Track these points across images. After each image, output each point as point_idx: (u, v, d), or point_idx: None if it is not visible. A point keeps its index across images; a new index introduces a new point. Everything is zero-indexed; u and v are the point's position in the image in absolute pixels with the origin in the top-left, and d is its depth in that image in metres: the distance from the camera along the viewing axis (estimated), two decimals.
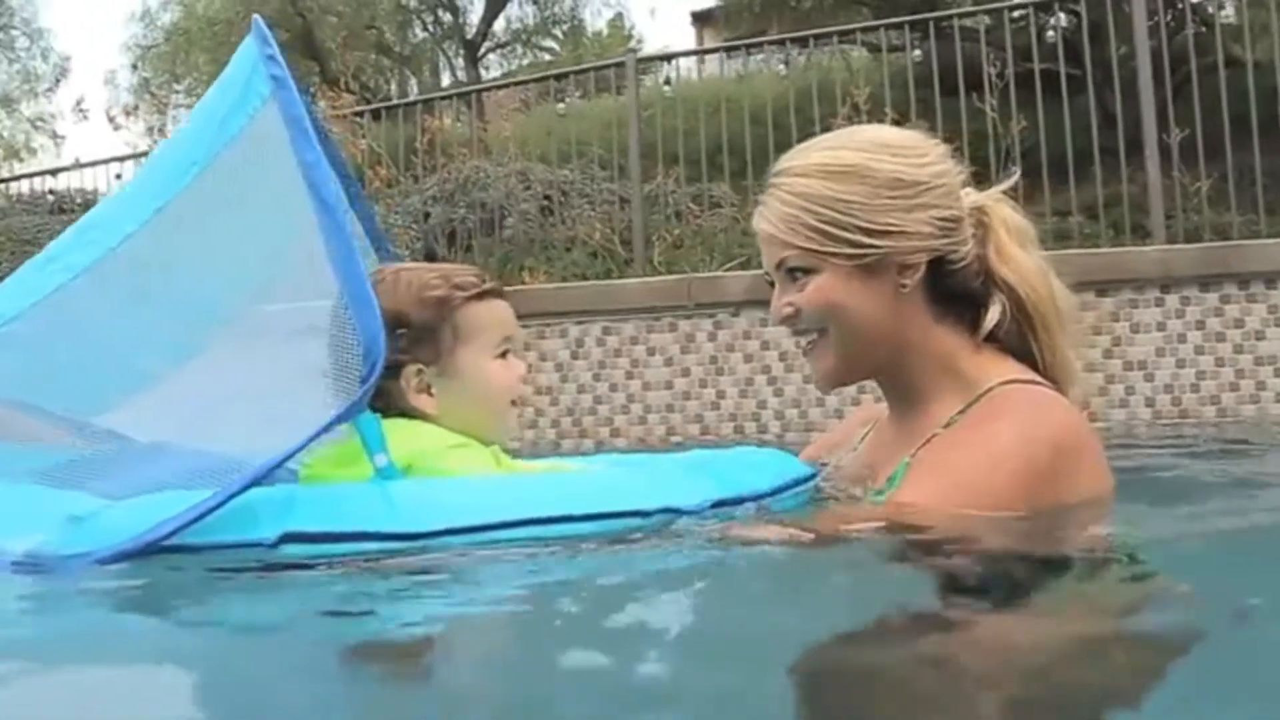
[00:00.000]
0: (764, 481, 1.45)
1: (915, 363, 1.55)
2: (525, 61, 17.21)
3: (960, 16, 6.58)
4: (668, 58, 7.79)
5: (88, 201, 8.05)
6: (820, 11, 9.67)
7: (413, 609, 1.12)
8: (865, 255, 1.49)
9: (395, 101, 9.89)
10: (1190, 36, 6.23)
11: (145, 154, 8.41)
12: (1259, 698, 0.81)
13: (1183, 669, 0.90)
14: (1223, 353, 4.80)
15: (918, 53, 8.33)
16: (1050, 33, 8.52)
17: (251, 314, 1.48)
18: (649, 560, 1.24)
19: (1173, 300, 4.88)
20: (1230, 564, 1.23)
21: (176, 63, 16.33)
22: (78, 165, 8.92)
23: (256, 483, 1.18)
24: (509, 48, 17.51)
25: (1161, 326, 4.87)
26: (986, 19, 6.61)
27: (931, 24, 6.34)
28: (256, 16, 1.53)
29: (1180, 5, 7.18)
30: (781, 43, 7.36)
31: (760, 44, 7.71)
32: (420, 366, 1.44)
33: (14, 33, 22.36)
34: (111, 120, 13.35)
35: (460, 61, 16.29)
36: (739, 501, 1.39)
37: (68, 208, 8.51)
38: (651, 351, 5.47)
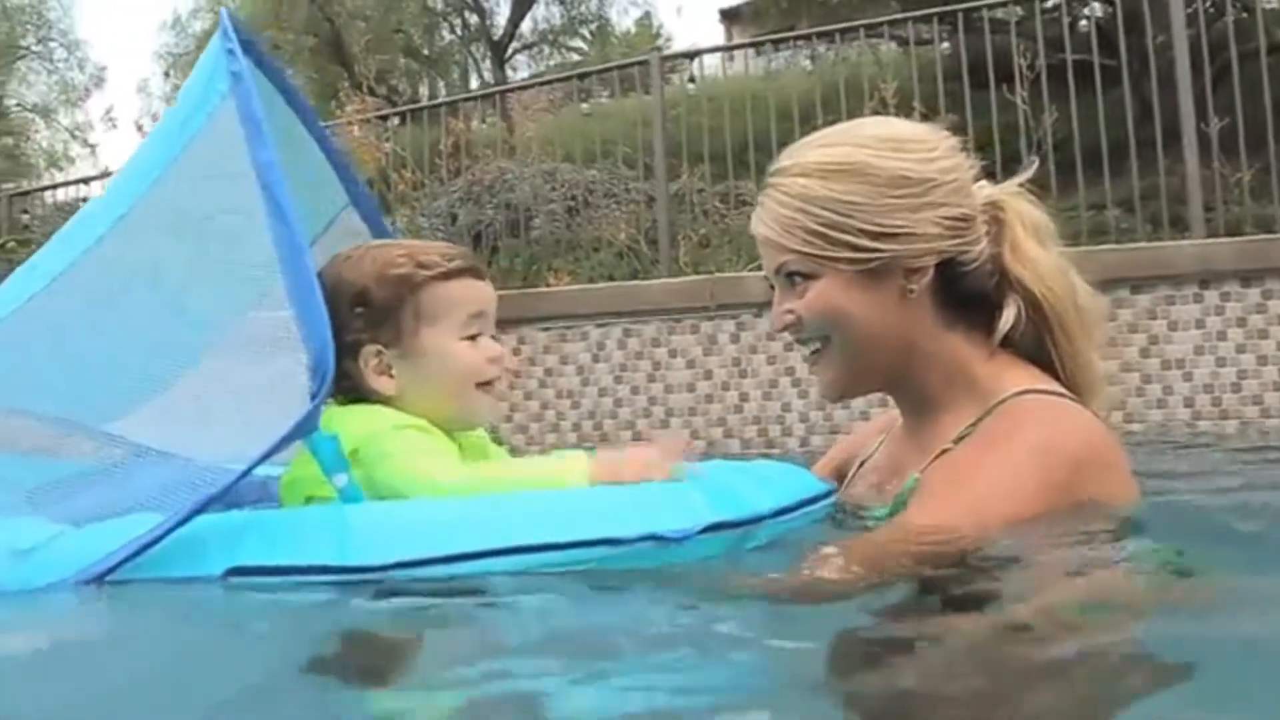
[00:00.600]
0: (767, 501, 1.31)
1: (925, 371, 1.45)
2: (552, 62, 17.21)
3: (990, 8, 6.44)
4: (693, 55, 7.71)
5: None
6: (848, 6, 9.55)
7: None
8: (868, 259, 1.39)
9: (421, 104, 9.89)
10: (1230, 23, 6.06)
11: None
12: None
13: (1200, 683, 0.84)
14: (1265, 350, 4.62)
15: (946, 45, 8.18)
16: (1084, 23, 8.34)
17: (209, 323, 1.40)
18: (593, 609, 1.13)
19: (1212, 296, 4.71)
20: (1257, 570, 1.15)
21: None
22: (106, 174, 9.04)
23: (200, 512, 1.11)
24: (536, 49, 17.52)
25: (1200, 324, 4.71)
26: (1019, 10, 6.46)
27: (961, 16, 6.22)
28: (223, 9, 1.47)
29: None
30: (809, 38, 7.28)
31: (787, 39, 7.64)
32: (380, 348, 1.38)
33: (52, 44, 22.71)
34: (140, 129, 13.58)
35: (487, 63, 16.32)
36: (736, 525, 1.26)
37: None
38: (673, 354, 5.38)
